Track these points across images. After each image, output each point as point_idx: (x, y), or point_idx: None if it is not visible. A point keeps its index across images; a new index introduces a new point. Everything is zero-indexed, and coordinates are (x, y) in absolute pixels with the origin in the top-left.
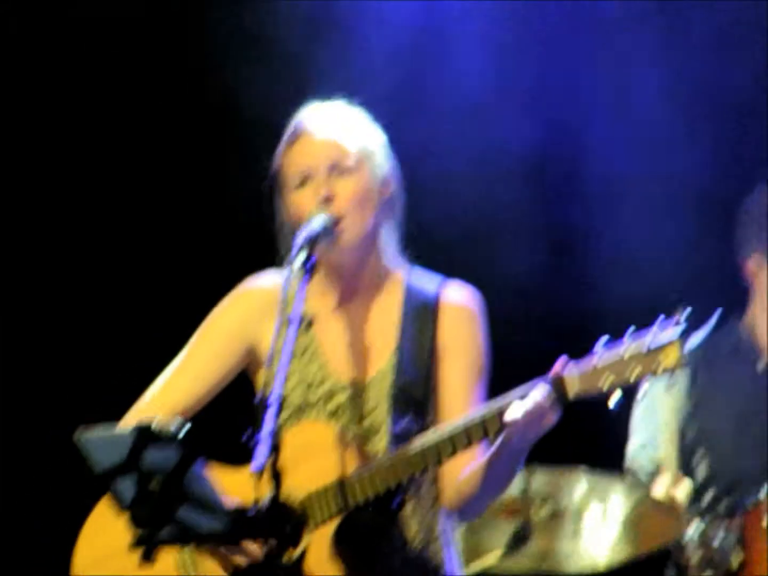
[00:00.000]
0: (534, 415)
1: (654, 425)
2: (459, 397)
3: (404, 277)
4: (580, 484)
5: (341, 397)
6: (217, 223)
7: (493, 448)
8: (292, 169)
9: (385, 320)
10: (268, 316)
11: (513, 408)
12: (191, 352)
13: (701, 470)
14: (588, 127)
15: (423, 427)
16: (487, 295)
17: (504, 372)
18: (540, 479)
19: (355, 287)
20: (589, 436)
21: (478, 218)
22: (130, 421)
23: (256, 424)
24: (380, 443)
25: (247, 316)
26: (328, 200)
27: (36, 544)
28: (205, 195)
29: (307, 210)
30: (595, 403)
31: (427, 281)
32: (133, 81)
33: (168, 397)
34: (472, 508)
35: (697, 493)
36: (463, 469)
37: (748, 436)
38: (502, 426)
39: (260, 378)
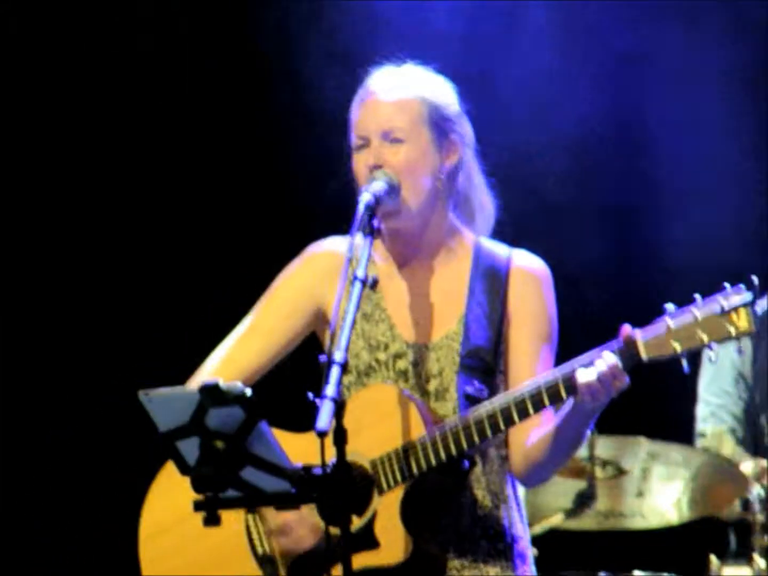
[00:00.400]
0: (608, 377)
1: (722, 394)
2: (529, 362)
3: (472, 242)
4: (642, 449)
5: (407, 360)
6: (282, 188)
7: (564, 413)
8: (354, 131)
9: (452, 283)
10: (335, 278)
11: (587, 370)
12: (259, 313)
13: (761, 437)
14: (646, 106)
15: (492, 391)
16: (554, 270)
17: (571, 343)
18: (603, 444)
19: (418, 251)
20: (648, 407)
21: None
22: (196, 382)
23: (321, 384)
24: (448, 405)
25: (315, 278)
26: (376, 168)
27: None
28: (271, 160)
29: (361, 174)
30: (655, 373)
31: (496, 247)
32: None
33: (236, 358)
34: (539, 475)
35: (763, 455)
36: (531, 435)
37: None
38: (576, 388)
39: (327, 339)
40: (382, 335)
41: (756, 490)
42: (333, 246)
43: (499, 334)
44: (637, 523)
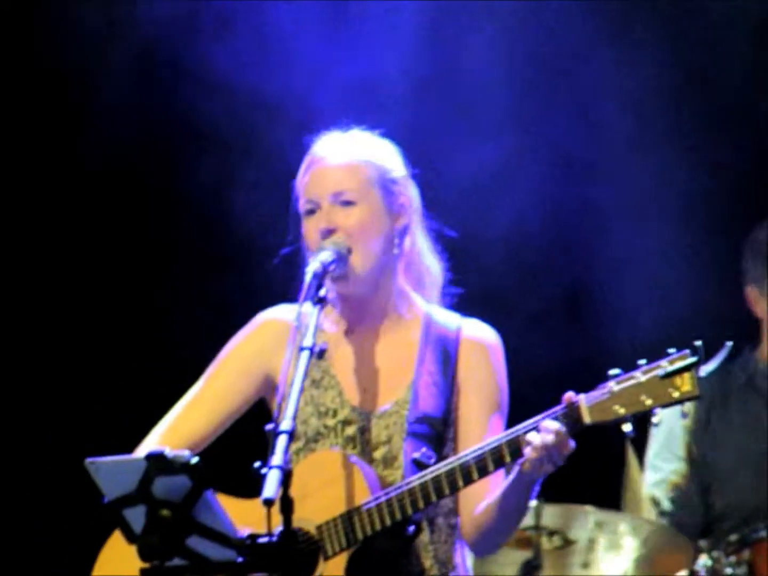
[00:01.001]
0: (553, 444)
1: (674, 459)
2: (479, 432)
3: (423, 309)
4: (589, 519)
5: (355, 426)
6: (232, 253)
7: (509, 480)
8: (303, 196)
9: (402, 351)
10: (285, 345)
11: (532, 436)
12: (208, 380)
13: (715, 502)
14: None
15: (440, 459)
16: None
17: (519, 409)
18: (550, 513)
19: (369, 316)
20: (595, 475)
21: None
22: (146, 448)
23: (268, 452)
24: (397, 473)
25: (265, 345)
26: (328, 232)
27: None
28: (216, 224)
29: (313, 239)
30: (600, 441)
31: (446, 316)
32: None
33: (184, 425)
34: (489, 543)
35: (710, 525)
36: (481, 503)
37: (762, 470)
38: (520, 453)
39: (274, 406)
40: (330, 401)
41: (702, 561)
42: (283, 314)
43: (448, 403)
44: None
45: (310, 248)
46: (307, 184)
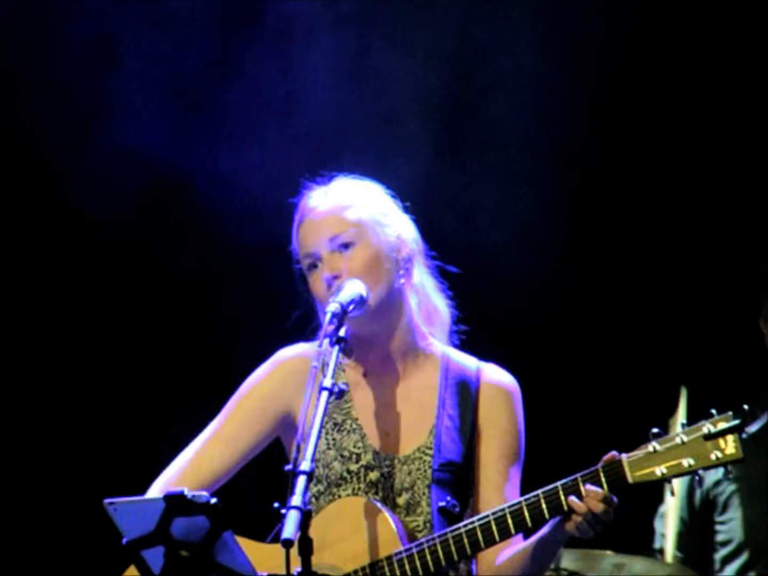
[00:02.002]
0: (602, 510)
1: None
2: (498, 479)
3: (440, 352)
4: (607, 561)
5: (379, 472)
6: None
7: (546, 531)
8: (301, 254)
9: (422, 393)
10: (304, 384)
11: (576, 503)
12: (225, 418)
13: (729, 528)
14: None
15: (464, 505)
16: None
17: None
18: (570, 557)
19: (387, 357)
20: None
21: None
22: (161, 486)
23: (287, 492)
24: (419, 519)
25: (283, 383)
26: (334, 279)
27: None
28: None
29: (321, 292)
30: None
31: (464, 359)
32: None
33: (200, 464)
34: None
35: (724, 562)
36: (501, 554)
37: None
38: (560, 509)
39: (293, 446)
40: (353, 446)
41: None
42: (301, 352)
43: (469, 448)
44: None
45: (322, 301)
46: (302, 240)
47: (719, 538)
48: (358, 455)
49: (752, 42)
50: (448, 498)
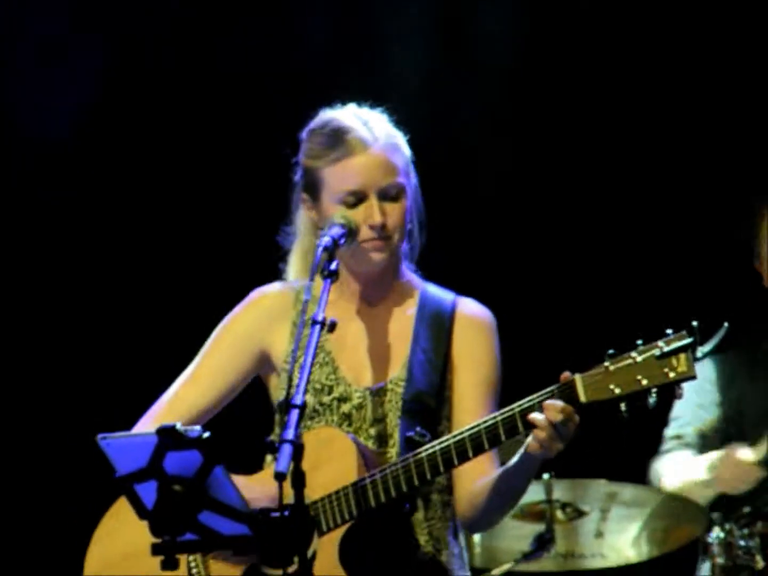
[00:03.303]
0: (560, 420)
1: (694, 405)
2: (474, 408)
3: (418, 286)
4: (600, 490)
5: (351, 404)
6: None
7: (514, 459)
8: (340, 185)
9: (398, 328)
10: (280, 321)
11: (535, 415)
12: (205, 357)
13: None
14: None
15: (435, 436)
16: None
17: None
18: (561, 487)
19: (372, 296)
20: (605, 450)
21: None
22: (144, 426)
23: (278, 426)
24: (392, 451)
25: (260, 321)
26: (383, 229)
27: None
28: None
29: (361, 226)
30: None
31: (441, 293)
32: None
33: (184, 402)
34: (485, 522)
35: (720, 499)
36: (478, 482)
37: None
38: (516, 431)
39: (273, 382)
40: (326, 378)
41: (715, 533)
42: (277, 289)
43: (443, 380)
44: (597, 563)
45: (351, 233)
46: (348, 175)
47: None
48: (330, 387)
49: None
50: (417, 428)
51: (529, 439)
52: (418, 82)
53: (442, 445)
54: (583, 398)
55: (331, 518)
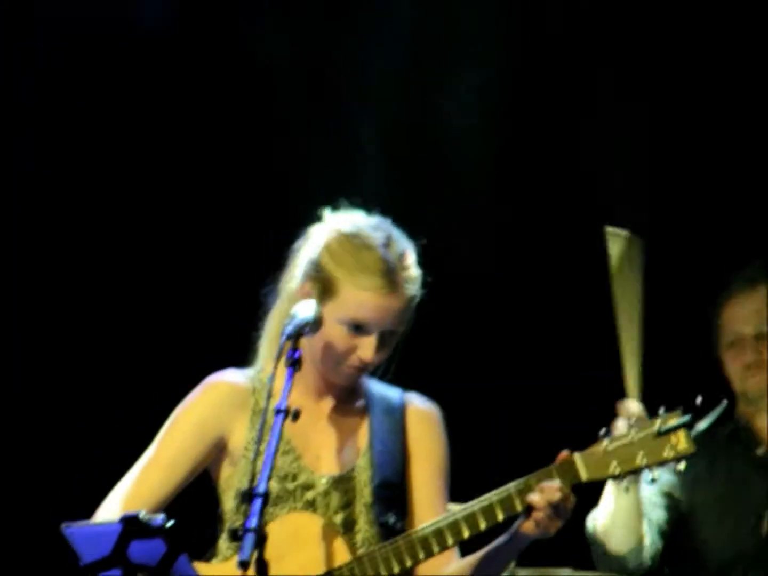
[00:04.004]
0: (558, 500)
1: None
2: (435, 499)
3: (363, 381)
4: None
5: (316, 491)
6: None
7: (501, 540)
8: (352, 311)
9: (352, 419)
10: (238, 409)
11: (533, 496)
12: (161, 446)
13: (697, 551)
14: None
15: (404, 525)
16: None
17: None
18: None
19: (324, 389)
20: (573, 538)
21: None
22: (108, 512)
23: (234, 514)
24: (356, 537)
25: (218, 408)
26: (366, 367)
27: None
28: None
29: (341, 347)
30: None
31: (384, 387)
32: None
33: (147, 489)
34: None
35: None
36: (442, 568)
37: (743, 521)
38: (513, 511)
39: (226, 471)
40: (288, 466)
41: None
42: (234, 377)
43: (404, 470)
44: None
45: (336, 352)
46: (368, 307)
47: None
48: (295, 475)
49: None
50: (390, 515)
51: (524, 520)
52: None
53: (435, 527)
54: (584, 476)
55: None
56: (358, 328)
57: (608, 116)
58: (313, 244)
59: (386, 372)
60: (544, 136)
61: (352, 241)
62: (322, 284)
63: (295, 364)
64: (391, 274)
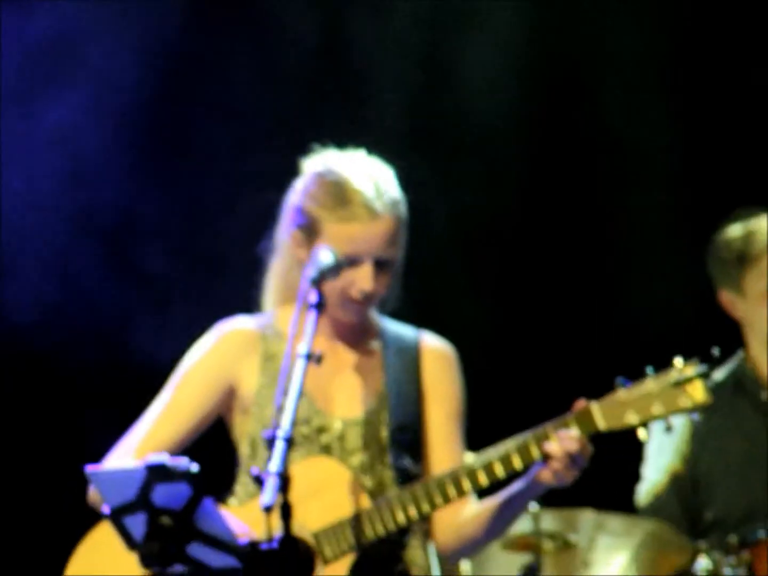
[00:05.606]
0: (576, 449)
1: (658, 467)
2: (450, 440)
3: (377, 321)
4: (588, 520)
5: (331, 434)
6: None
7: (518, 487)
8: (339, 245)
9: (367, 361)
10: (248, 355)
11: (550, 445)
12: (174, 392)
13: (710, 505)
14: None
15: (420, 468)
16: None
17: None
18: (549, 518)
19: (338, 331)
20: (594, 479)
21: None
22: (120, 458)
23: (251, 460)
24: (372, 481)
25: (228, 355)
26: (368, 300)
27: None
28: None
29: (340, 284)
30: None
31: (400, 327)
32: None
33: (160, 436)
34: (470, 550)
35: (706, 528)
36: (463, 511)
37: (755, 470)
38: (531, 460)
39: (239, 418)
40: (303, 410)
41: (702, 563)
42: (244, 324)
43: (419, 411)
44: None
45: (339, 299)
46: (353, 238)
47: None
48: (309, 419)
49: None
50: (406, 458)
51: (541, 468)
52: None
53: (451, 472)
54: (601, 426)
55: (337, 546)
56: (351, 262)
57: (630, 72)
58: (295, 192)
59: (394, 305)
60: (565, 95)
61: (327, 179)
62: (309, 227)
63: (319, 306)
64: (370, 202)
